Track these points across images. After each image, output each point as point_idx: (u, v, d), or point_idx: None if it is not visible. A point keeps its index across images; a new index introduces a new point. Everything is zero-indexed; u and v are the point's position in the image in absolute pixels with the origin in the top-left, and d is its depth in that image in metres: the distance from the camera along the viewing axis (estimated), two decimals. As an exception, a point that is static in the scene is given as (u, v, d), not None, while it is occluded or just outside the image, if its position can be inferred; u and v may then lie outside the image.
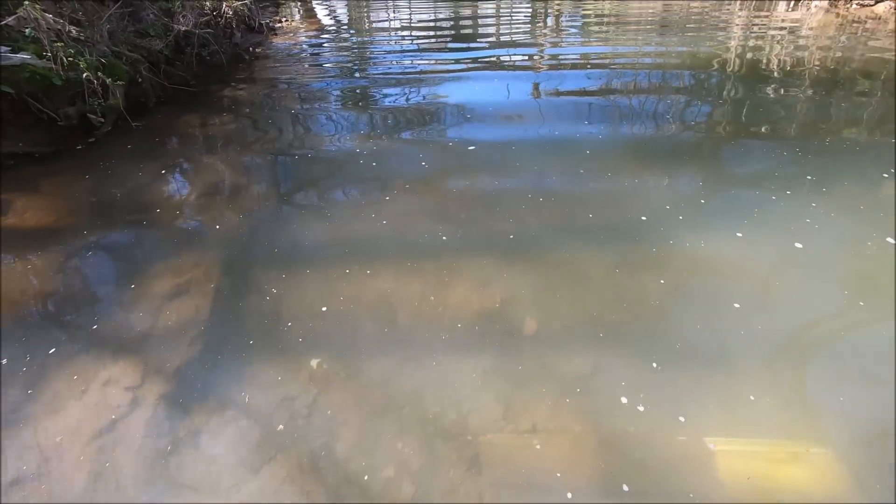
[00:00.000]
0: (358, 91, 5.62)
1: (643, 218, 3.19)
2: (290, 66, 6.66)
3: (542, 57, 6.75)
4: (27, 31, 4.34)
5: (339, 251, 3.03)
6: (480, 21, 9.51)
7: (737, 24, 8.41)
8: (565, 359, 2.31)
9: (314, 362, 2.34)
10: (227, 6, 6.94)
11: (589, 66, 6.11)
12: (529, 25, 8.83)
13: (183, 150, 4.26)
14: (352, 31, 9.30)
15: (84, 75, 4.17)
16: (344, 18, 10.77)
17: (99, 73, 4.35)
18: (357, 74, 6.22)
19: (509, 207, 3.34)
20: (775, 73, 5.80)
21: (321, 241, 3.11)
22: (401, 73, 6.13)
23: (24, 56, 4.02)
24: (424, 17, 9.99)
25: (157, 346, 2.45)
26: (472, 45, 7.50)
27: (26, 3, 4.51)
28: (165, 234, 3.22)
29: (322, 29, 9.58)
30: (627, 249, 2.95)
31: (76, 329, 2.55)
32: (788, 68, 5.91)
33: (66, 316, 2.63)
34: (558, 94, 5.26)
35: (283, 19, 9.86)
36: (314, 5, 13.26)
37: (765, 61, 6.23)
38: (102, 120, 4.36)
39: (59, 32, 4.62)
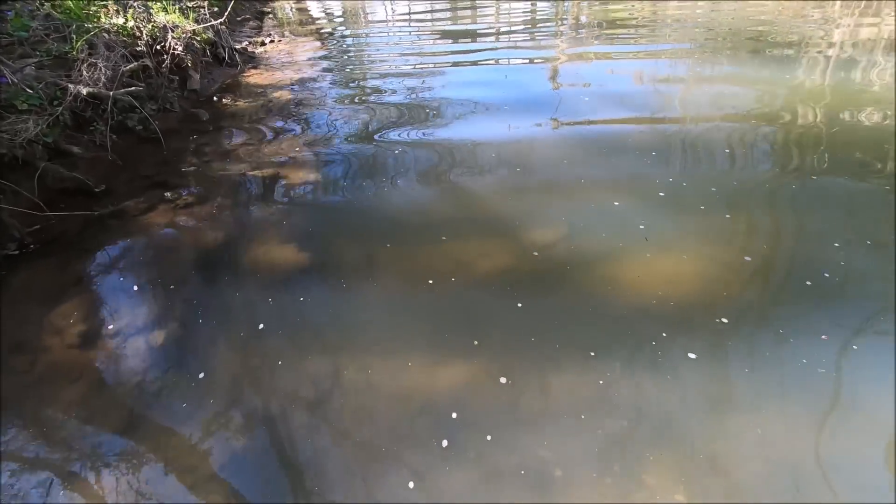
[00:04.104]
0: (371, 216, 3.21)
1: None
2: (271, 139, 4.24)
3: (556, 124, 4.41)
4: None
5: None
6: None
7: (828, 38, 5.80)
8: None
9: None
10: (174, 40, 4.46)
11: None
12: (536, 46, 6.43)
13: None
14: (354, 55, 6.82)
15: None
16: (341, 31, 8.27)
17: None
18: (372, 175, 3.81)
19: None
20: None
21: None
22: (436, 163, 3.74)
23: None
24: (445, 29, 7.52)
25: None
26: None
27: None
28: None
29: (319, 44, 7.09)
30: None
31: None
32: None
33: None
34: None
35: (267, 38, 7.35)
36: (307, 3, 10.83)
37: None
38: None
39: None
